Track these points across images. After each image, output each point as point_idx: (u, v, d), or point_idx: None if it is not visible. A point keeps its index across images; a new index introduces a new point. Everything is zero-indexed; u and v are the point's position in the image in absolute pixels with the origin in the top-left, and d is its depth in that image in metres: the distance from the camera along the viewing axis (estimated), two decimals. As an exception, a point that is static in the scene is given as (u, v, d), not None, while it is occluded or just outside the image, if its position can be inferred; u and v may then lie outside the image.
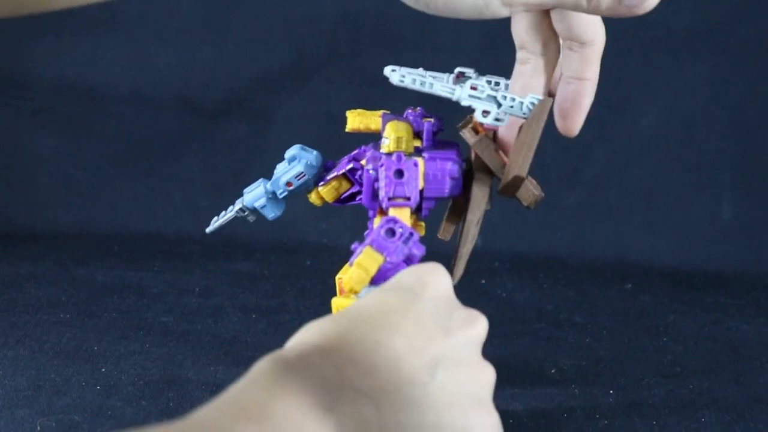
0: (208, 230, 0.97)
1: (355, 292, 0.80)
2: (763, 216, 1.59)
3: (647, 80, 1.62)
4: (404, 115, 0.91)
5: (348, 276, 0.79)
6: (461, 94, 0.81)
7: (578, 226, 1.59)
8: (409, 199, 0.83)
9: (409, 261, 0.80)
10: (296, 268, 1.39)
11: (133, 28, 1.62)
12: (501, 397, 0.92)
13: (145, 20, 1.62)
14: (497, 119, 0.81)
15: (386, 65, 0.86)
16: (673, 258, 1.54)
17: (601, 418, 0.89)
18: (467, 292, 1.28)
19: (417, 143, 0.88)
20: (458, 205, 0.87)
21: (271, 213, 0.94)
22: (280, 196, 0.93)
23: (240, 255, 1.46)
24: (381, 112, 0.93)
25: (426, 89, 0.83)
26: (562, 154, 1.61)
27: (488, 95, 0.81)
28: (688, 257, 1.54)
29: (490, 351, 1.08)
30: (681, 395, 0.96)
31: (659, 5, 1.62)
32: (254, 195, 0.95)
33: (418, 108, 0.92)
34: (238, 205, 0.96)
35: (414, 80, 0.83)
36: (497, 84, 0.83)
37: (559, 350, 1.09)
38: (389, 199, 0.83)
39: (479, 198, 0.83)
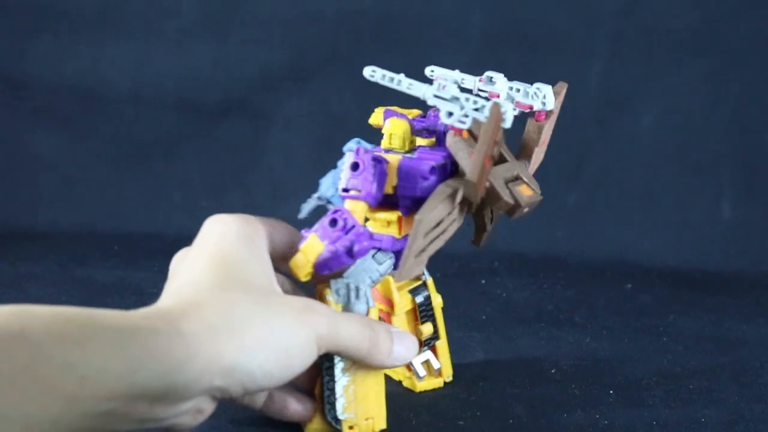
0: (300, 216, 0.95)
1: (299, 277, 0.80)
2: (763, 216, 1.59)
3: (647, 80, 1.62)
4: (427, 115, 0.91)
5: (293, 260, 0.80)
6: (426, 93, 0.82)
7: (578, 226, 1.59)
8: (361, 191, 0.82)
9: (349, 252, 0.80)
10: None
11: (133, 28, 1.62)
12: (501, 397, 0.92)
13: (145, 20, 1.62)
14: (460, 121, 0.80)
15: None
16: (673, 258, 1.54)
17: (601, 418, 0.89)
18: (467, 292, 1.28)
19: (424, 142, 0.88)
20: (478, 213, 0.88)
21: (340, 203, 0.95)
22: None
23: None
24: (415, 111, 0.93)
25: (394, 85, 0.83)
26: (562, 154, 1.61)
27: (453, 96, 0.81)
28: (688, 257, 1.54)
29: (490, 351, 1.08)
30: (681, 395, 0.96)
31: (659, 5, 1.63)
32: (326, 185, 0.95)
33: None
34: (316, 194, 0.95)
35: (383, 76, 0.83)
36: (491, 80, 0.83)
37: (559, 350, 1.09)
38: (344, 190, 0.83)
39: (439, 195, 0.82)
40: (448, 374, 0.96)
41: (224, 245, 0.76)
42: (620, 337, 1.15)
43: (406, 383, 0.95)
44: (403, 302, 0.92)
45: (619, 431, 0.87)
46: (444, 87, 0.80)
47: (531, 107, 0.83)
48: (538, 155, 0.86)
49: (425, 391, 0.95)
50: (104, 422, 0.64)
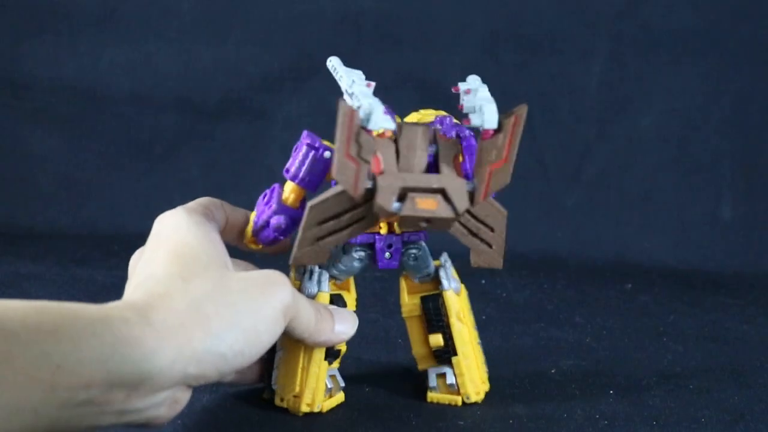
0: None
1: (249, 246, 0.90)
2: (763, 216, 1.59)
3: (647, 80, 1.62)
4: (435, 120, 0.92)
5: (246, 229, 0.90)
6: (342, 88, 0.83)
7: (578, 226, 1.59)
8: (288, 171, 0.87)
9: (267, 224, 0.87)
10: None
11: (133, 28, 1.62)
12: (501, 397, 0.92)
13: (145, 20, 1.62)
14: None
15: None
16: (673, 258, 1.54)
17: (601, 418, 0.89)
18: (467, 293, 1.28)
19: None
20: None
21: None
22: None
23: (239, 254, 1.46)
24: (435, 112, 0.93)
25: (334, 76, 0.85)
26: (562, 154, 1.61)
27: (351, 93, 0.82)
28: (688, 257, 1.54)
29: (490, 351, 1.08)
30: (681, 395, 0.96)
31: (659, 5, 1.63)
32: None
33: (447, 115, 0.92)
34: None
35: (332, 67, 0.86)
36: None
37: (559, 350, 1.09)
38: (286, 170, 0.87)
39: (336, 187, 0.81)
40: (467, 394, 0.90)
41: (177, 237, 0.78)
42: (620, 337, 1.15)
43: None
44: (410, 305, 0.91)
45: (619, 431, 0.87)
46: (354, 83, 0.82)
47: (468, 122, 0.82)
48: (495, 175, 0.80)
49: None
50: (84, 413, 0.65)
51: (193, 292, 0.73)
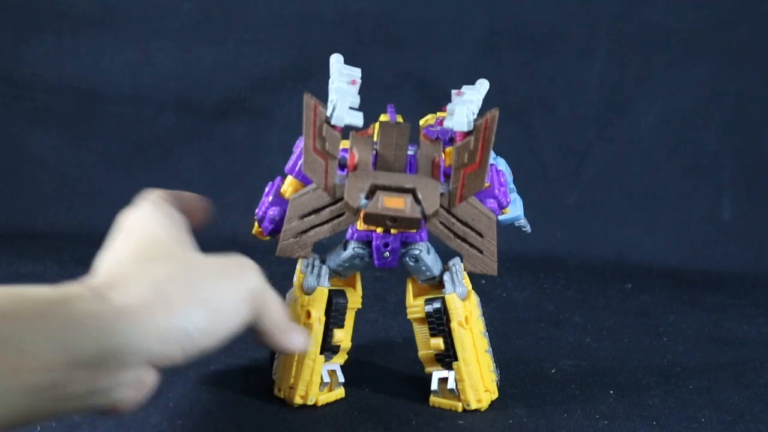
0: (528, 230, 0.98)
1: (257, 234, 0.91)
2: (763, 216, 1.59)
3: (647, 80, 1.62)
4: (435, 122, 0.92)
5: None
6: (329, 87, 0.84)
7: (578, 226, 1.59)
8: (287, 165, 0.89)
9: (264, 215, 0.89)
10: (295, 267, 1.39)
11: (133, 28, 1.63)
12: (501, 397, 0.92)
13: (145, 20, 1.63)
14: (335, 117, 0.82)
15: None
16: (673, 258, 1.54)
17: (601, 418, 0.89)
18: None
19: None
20: None
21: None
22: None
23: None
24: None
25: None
26: (562, 154, 1.61)
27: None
28: (688, 257, 1.54)
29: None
30: (681, 395, 0.96)
31: (659, 5, 1.63)
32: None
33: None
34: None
35: (330, 65, 0.88)
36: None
37: (559, 350, 1.09)
38: (287, 165, 0.90)
39: (314, 184, 0.83)
40: (467, 401, 0.89)
41: (139, 224, 0.78)
42: (620, 337, 1.15)
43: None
44: (415, 307, 0.91)
45: (619, 431, 0.87)
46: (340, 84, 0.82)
47: (441, 123, 0.82)
48: (469, 179, 0.80)
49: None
50: (47, 398, 0.64)
51: (155, 273, 0.72)
